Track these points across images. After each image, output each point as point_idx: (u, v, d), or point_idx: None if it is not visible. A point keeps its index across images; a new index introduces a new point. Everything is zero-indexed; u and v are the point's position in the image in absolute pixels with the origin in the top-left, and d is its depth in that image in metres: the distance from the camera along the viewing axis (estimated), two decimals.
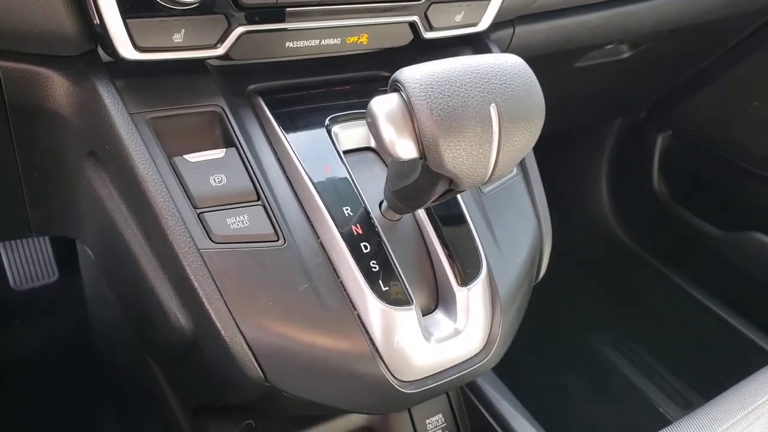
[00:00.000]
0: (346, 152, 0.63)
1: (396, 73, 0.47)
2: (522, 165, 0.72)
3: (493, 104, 0.45)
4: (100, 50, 0.56)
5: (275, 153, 0.60)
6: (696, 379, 1.60)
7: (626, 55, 1.23)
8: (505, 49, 0.83)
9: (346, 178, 0.60)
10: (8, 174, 0.67)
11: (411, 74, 0.45)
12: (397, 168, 0.55)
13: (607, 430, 1.47)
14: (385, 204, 0.60)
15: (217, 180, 0.56)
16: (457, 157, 0.45)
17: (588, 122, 1.73)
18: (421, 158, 0.46)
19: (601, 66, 1.22)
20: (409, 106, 0.45)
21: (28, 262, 1.37)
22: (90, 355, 1.20)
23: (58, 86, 0.56)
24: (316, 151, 0.61)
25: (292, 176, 0.59)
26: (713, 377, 1.58)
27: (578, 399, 1.61)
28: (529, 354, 1.58)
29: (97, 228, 0.68)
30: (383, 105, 0.45)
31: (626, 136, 1.80)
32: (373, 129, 0.46)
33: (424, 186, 0.51)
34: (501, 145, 0.45)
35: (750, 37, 1.39)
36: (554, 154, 1.78)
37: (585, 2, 0.90)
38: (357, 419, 0.78)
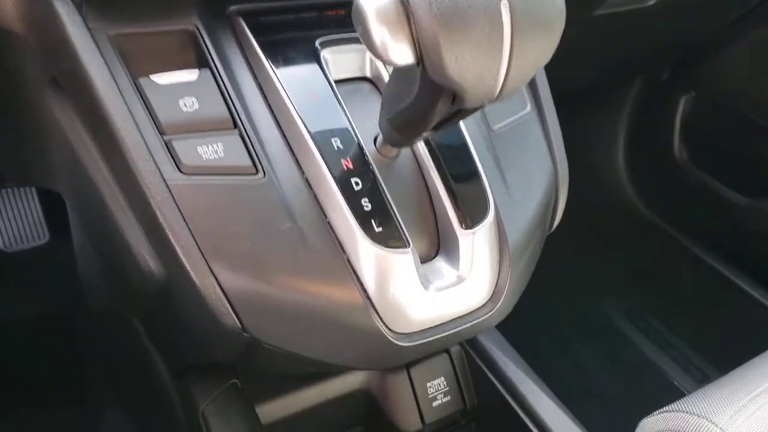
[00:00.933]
0: (338, 82, 0.56)
1: None
2: (536, 100, 0.65)
3: (504, 0, 0.38)
4: None
5: (256, 78, 0.53)
6: (713, 352, 1.54)
7: (651, 2, 1.14)
8: None
9: (336, 107, 0.53)
10: None
11: None
12: (392, 89, 0.48)
13: (620, 402, 1.42)
14: (380, 138, 0.53)
15: (188, 104, 0.49)
16: (461, 61, 0.37)
17: (606, 81, 1.64)
18: (418, 64, 0.39)
19: (622, 15, 1.13)
20: (404, 1, 0.37)
21: (18, 223, 1.33)
22: (80, 317, 1.16)
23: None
24: (302, 78, 0.54)
25: (274, 103, 0.52)
26: (731, 351, 1.51)
27: (590, 370, 1.56)
28: (540, 324, 1.54)
29: (66, 169, 0.61)
30: (373, 0, 0.38)
31: (646, 99, 1.71)
32: (362, 30, 0.39)
33: (422, 104, 0.44)
34: (513, 51, 0.38)
35: None
36: (568, 117, 1.71)
37: None
38: (352, 381, 0.72)
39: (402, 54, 0.38)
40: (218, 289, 0.48)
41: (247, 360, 0.61)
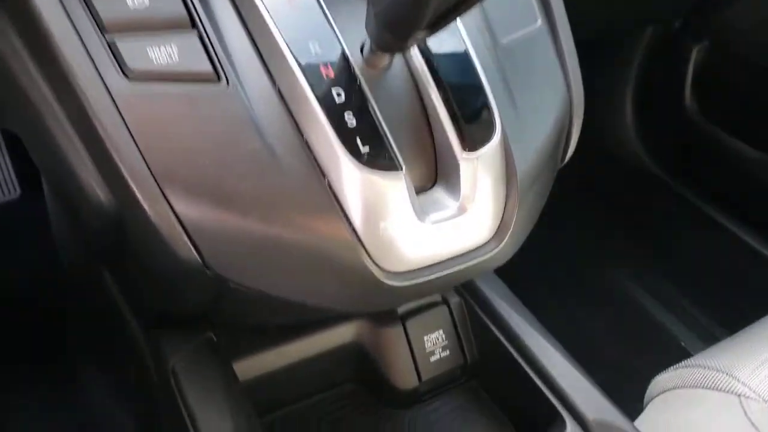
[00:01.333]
0: None
1: None
2: (548, 14, 0.56)
3: None
4: None
5: None
6: (722, 312, 1.50)
7: None
8: None
9: (314, 4, 0.45)
10: None
11: None
12: None
13: (627, 363, 1.37)
14: (367, 45, 0.44)
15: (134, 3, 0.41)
16: None
17: (616, 28, 1.56)
18: None
19: None
20: None
21: None
22: (54, 273, 1.09)
23: None
24: None
25: (240, 0, 0.44)
26: (741, 311, 1.47)
27: (595, 330, 1.52)
28: (544, 285, 1.48)
29: (10, 99, 0.53)
30: None
31: (657, 49, 1.64)
32: None
33: None
34: None
35: None
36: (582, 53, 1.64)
37: None
38: (342, 335, 0.65)
39: None
40: (173, 218, 0.41)
41: (219, 308, 0.54)
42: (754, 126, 1.48)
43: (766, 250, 1.47)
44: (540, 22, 0.56)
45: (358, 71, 0.44)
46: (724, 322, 1.47)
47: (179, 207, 0.41)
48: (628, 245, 1.67)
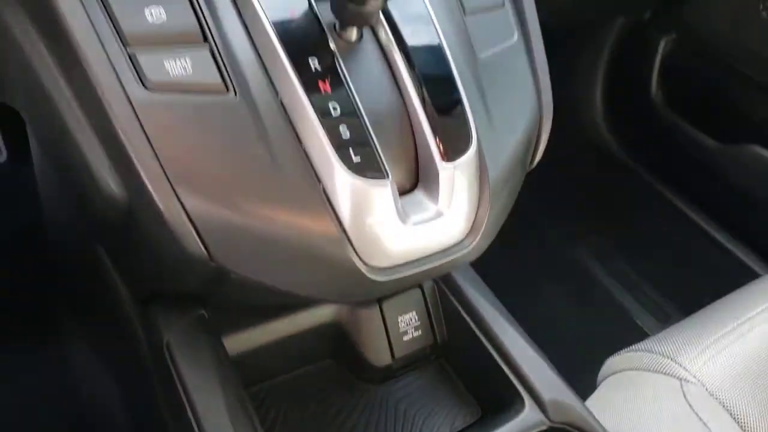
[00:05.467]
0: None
1: None
2: (524, 29, 0.62)
3: None
4: None
5: None
6: (677, 293, 1.58)
7: None
8: None
9: (316, 27, 0.49)
10: None
11: None
12: None
13: (585, 341, 1.45)
14: (338, 24, 0.50)
15: (154, 14, 0.45)
16: None
17: (587, 19, 1.60)
18: None
19: None
20: None
21: None
22: (42, 242, 1.12)
23: None
24: None
25: (247, 17, 0.48)
26: (695, 292, 1.56)
27: (558, 309, 1.59)
28: (509, 261, 1.55)
29: (21, 83, 0.57)
30: None
31: (628, 39, 1.69)
32: None
33: None
34: None
35: None
36: (548, 51, 1.67)
37: None
38: (322, 314, 0.71)
39: None
40: (184, 215, 0.45)
41: (216, 291, 0.59)
42: (714, 118, 1.54)
43: (722, 236, 1.54)
44: (516, 36, 0.61)
45: (354, 93, 0.49)
46: (681, 305, 1.55)
47: (190, 204, 0.45)
48: (593, 227, 1.74)
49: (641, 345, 0.88)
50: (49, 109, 0.50)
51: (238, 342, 0.68)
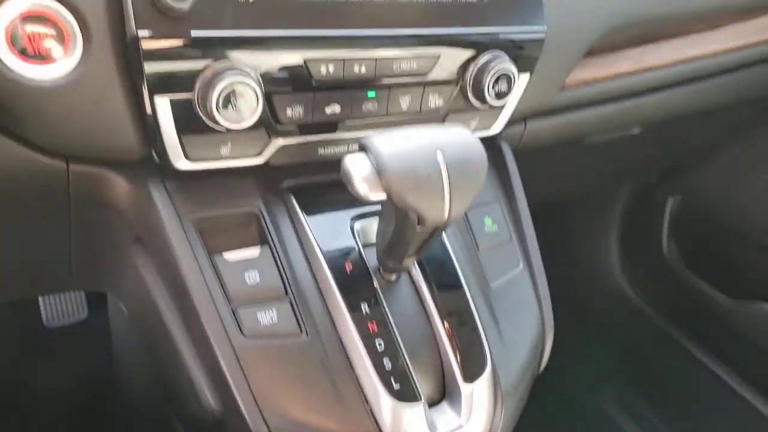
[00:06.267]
0: (367, 245, 0.70)
1: (364, 138, 0.56)
2: (527, 259, 0.78)
3: (438, 150, 0.54)
4: (155, 155, 0.64)
5: (303, 250, 0.67)
6: None
7: (636, 131, 1.28)
8: (517, 144, 0.89)
9: (368, 277, 0.67)
10: (62, 244, 0.74)
11: (377, 138, 0.55)
12: (380, 229, 0.63)
13: None
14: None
15: (251, 278, 0.63)
16: (415, 193, 0.54)
17: (598, 187, 1.77)
18: (389, 198, 0.55)
19: (611, 141, 1.28)
20: (375, 165, 0.54)
21: (61, 301, 1.44)
22: (113, 397, 1.26)
23: (117, 186, 0.64)
24: (340, 248, 0.68)
25: (317, 273, 0.66)
26: None
27: None
28: (530, 407, 1.61)
29: (137, 299, 0.74)
30: (355, 164, 0.55)
31: (636, 199, 1.82)
32: (350, 185, 0.55)
33: (399, 229, 0.58)
34: (451, 185, 0.54)
35: (759, 114, 1.43)
36: (565, 212, 1.83)
37: (598, 98, 0.96)
38: None
39: (378, 194, 0.54)
40: (265, 428, 0.61)
41: None
42: (724, 275, 1.62)
43: (739, 388, 1.59)
44: (521, 265, 0.78)
45: (395, 330, 0.65)
46: None
47: (271, 422, 0.61)
48: (614, 371, 1.81)
49: None
50: (164, 331, 0.67)
51: None
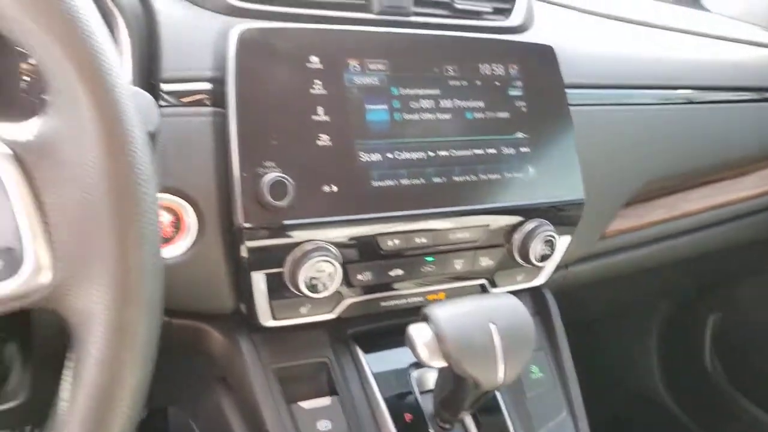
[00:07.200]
0: (424, 393, 0.77)
1: (427, 308, 0.65)
2: (570, 408, 0.85)
3: (492, 324, 0.63)
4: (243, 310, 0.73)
5: (367, 398, 0.75)
6: None
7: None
8: (559, 288, 0.97)
9: (425, 423, 0.75)
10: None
11: (438, 310, 0.64)
12: (438, 385, 0.72)
13: None
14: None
15: (323, 426, 0.71)
16: (471, 362, 0.62)
17: (635, 299, 1.81)
18: (449, 366, 0.63)
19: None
20: (436, 334, 0.63)
21: None
22: None
23: (211, 337, 0.74)
24: (400, 396, 0.76)
25: (379, 420, 0.74)
26: None
27: None
28: None
29: (214, 429, 0.83)
30: (419, 333, 0.64)
31: (675, 312, 1.82)
32: (413, 350, 0.64)
33: (455, 389, 0.67)
34: (505, 353, 0.63)
35: None
36: (603, 326, 1.86)
37: (635, 244, 1.04)
38: None
39: (438, 362, 0.63)
40: None
41: None
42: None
43: None
44: (565, 412, 0.84)
45: None
46: None
47: None
48: None
49: None
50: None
51: None
